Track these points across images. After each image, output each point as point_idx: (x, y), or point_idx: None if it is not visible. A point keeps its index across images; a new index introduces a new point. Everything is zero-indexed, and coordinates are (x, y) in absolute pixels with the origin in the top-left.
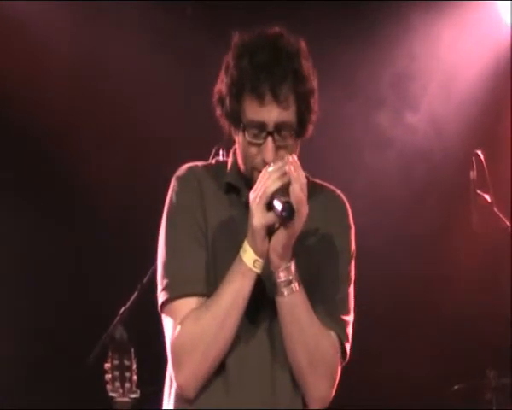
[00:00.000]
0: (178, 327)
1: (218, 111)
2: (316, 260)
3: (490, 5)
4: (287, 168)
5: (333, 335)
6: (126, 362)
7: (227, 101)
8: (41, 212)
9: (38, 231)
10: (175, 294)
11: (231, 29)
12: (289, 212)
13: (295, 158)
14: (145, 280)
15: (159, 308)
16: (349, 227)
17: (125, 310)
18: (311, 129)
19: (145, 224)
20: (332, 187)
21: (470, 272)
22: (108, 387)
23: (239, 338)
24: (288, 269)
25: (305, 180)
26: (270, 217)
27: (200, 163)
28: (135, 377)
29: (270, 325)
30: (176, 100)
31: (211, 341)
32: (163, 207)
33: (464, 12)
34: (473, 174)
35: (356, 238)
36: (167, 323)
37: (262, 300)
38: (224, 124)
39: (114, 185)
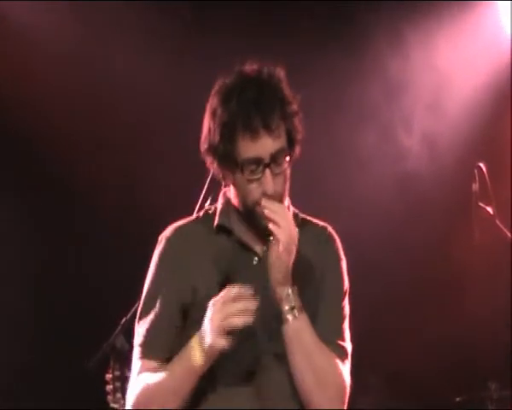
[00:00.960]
0: (141, 384)
1: (209, 160)
2: (309, 297)
3: (489, 15)
4: (270, 226)
5: (337, 358)
6: (128, 373)
7: (219, 146)
8: (40, 213)
9: (37, 231)
10: (142, 353)
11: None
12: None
13: (281, 207)
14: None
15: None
16: (340, 260)
17: (126, 320)
18: (298, 149)
19: (144, 226)
20: (321, 222)
21: (471, 283)
22: (109, 398)
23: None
24: (289, 296)
25: (291, 224)
26: (223, 343)
27: (186, 220)
28: None
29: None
30: (175, 100)
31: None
32: (162, 209)
33: (462, 22)
34: (475, 187)
35: (357, 253)
36: (131, 386)
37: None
38: (216, 171)
39: (114, 186)
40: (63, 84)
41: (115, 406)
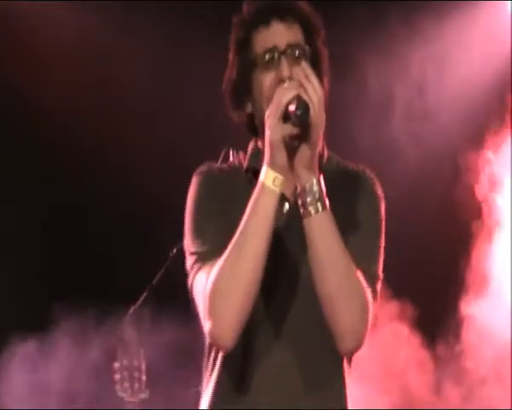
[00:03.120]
0: (211, 273)
1: (228, 94)
2: (344, 223)
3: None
4: (299, 77)
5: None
6: (135, 362)
7: (235, 52)
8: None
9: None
10: (203, 262)
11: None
12: (303, 110)
13: (305, 66)
14: (155, 281)
15: (189, 289)
16: (378, 196)
17: (134, 310)
18: (326, 79)
19: (157, 220)
20: (358, 165)
21: None
22: (117, 387)
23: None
24: (314, 186)
25: (318, 84)
26: (286, 128)
27: (218, 164)
28: (144, 378)
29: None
30: (182, 97)
31: (243, 265)
32: (173, 206)
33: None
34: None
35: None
36: (197, 284)
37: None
38: (237, 110)
39: (124, 185)
40: (67, 87)
41: (123, 395)
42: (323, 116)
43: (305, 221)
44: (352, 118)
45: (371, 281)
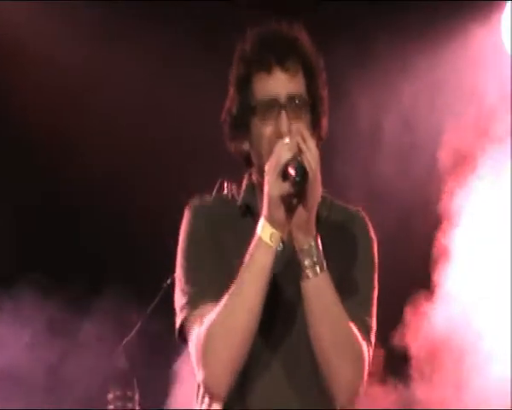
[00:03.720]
0: (204, 322)
1: (227, 127)
2: (337, 270)
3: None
4: (297, 139)
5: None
6: (129, 393)
7: (235, 93)
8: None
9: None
10: (195, 306)
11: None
12: (301, 176)
13: (303, 129)
14: (148, 311)
15: (177, 330)
16: (371, 239)
17: (127, 341)
18: (325, 120)
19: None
20: (351, 206)
21: None
22: None
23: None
24: (312, 249)
25: (315, 149)
26: (284, 186)
27: (209, 196)
28: (138, 409)
29: (286, 329)
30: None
31: (236, 318)
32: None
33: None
34: None
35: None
36: (190, 331)
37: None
38: (234, 142)
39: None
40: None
41: None
42: (319, 183)
43: (303, 283)
44: (340, 150)
45: (366, 333)
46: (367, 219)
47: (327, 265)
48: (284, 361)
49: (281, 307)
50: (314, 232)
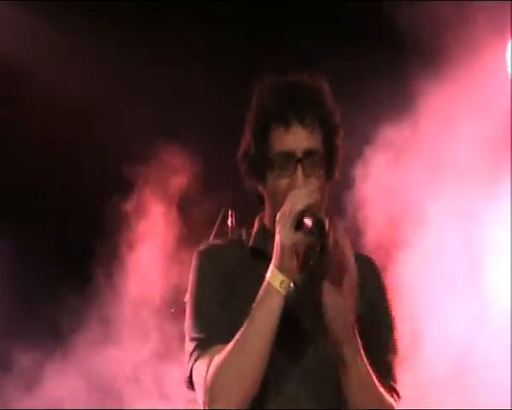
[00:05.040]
0: (212, 365)
1: (243, 167)
2: (364, 323)
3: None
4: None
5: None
6: None
7: (252, 145)
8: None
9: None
10: (204, 350)
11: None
12: (319, 228)
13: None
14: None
15: (187, 377)
16: (387, 293)
17: None
18: (338, 171)
19: None
20: (362, 252)
21: None
22: None
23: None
24: (353, 342)
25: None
26: (298, 236)
27: (218, 240)
28: None
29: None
30: None
31: (245, 365)
32: None
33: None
34: None
35: None
36: (198, 373)
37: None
38: (249, 181)
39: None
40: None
41: None
42: (354, 267)
43: (343, 369)
44: None
45: (393, 388)
46: (380, 269)
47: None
48: (305, 390)
49: (297, 338)
50: (355, 330)
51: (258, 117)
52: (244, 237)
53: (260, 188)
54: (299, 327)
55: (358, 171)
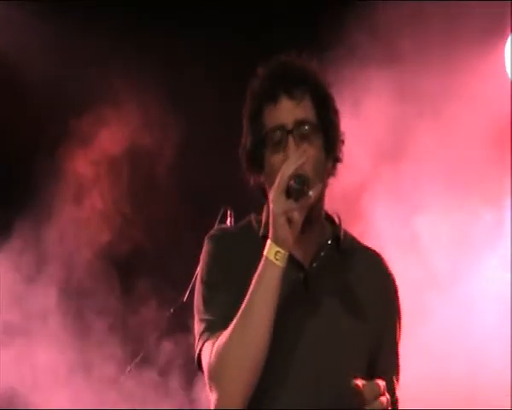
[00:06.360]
0: (216, 344)
1: (244, 163)
2: (370, 321)
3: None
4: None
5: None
6: None
7: (248, 128)
8: None
9: None
10: (213, 332)
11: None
12: (300, 181)
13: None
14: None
15: (196, 358)
16: (397, 291)
17: None
18: (339, 150)
19: None
20: (370, 247)
21: None
22: None
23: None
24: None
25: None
26: (289, 203)
27: (229, 226)
28: None
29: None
30: None
31: (247, 337)
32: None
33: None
34: None
35: None
36: (205, 355)
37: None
38: (252, 175)
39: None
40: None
41: None
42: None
43: None
44: None
45: (394, 386)
46: (388, 265)
47: (356, 312)
48: (303, 398)
49: (299, 344)
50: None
51: (250, 103)
52: (254, 223)
53: (262, 179)
54: (301, 333)
55: None
